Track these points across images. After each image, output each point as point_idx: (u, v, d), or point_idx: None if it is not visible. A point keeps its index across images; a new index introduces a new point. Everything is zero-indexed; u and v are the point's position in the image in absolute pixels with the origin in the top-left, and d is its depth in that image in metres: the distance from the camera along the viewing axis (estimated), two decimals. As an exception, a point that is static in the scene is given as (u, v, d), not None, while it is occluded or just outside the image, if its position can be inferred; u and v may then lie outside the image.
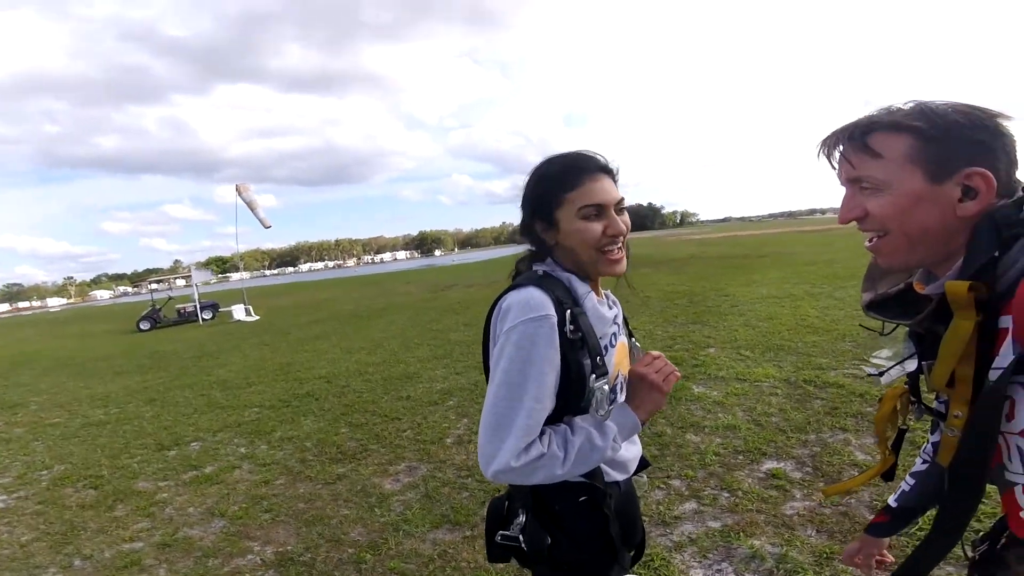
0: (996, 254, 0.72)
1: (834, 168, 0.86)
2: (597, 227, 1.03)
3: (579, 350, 1.00)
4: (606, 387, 1.02)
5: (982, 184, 0.74)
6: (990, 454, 0.75)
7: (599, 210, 1.03)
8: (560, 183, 1.05)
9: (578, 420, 1.03)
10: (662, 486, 3.01)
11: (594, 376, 1.01)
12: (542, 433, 1.00)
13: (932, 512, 0.96)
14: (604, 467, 1.12)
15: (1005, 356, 0.71)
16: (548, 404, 1.00)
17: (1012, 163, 0.76)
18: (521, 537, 1.09)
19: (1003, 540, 0.91)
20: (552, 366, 0.98)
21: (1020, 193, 0.76)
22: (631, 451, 1.22)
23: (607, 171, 1.07)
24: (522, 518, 1.10)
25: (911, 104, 0.78)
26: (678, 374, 1.10)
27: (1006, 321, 0.71)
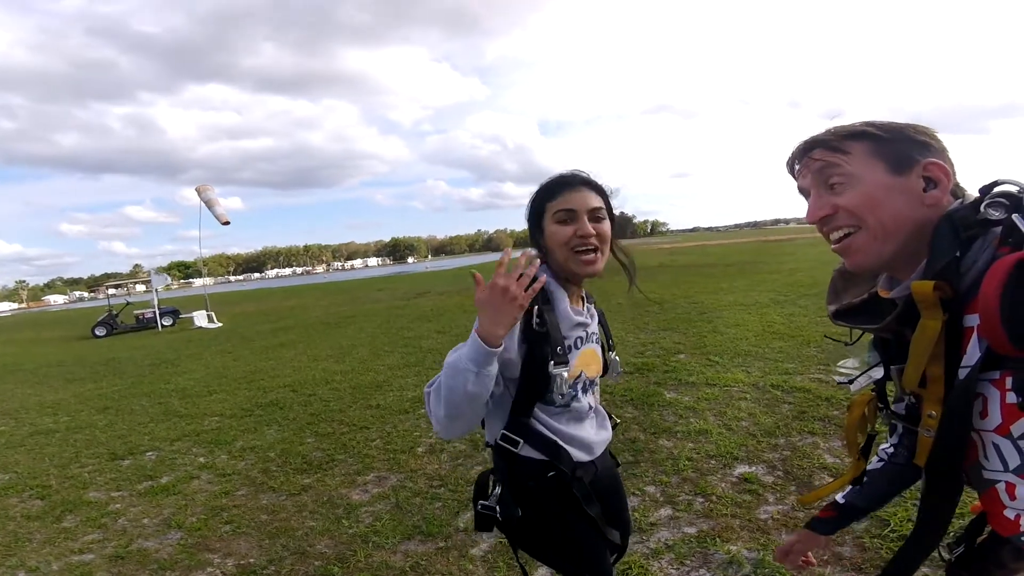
0: (957, 254, 0.74)
1: (799, 179, 0.88)
2: (568, 229, 1.18)
3: (544, 343, 1.14)
4: (565, 373, 1.15)
5: (941, 174, 0.78)
6: (963, 451, 0.75)
7: (570, 214, 1.18)
8: (545, 194, 1.23)
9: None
10: (637, 493, 2.98)
11: (552, 363, 1.14)
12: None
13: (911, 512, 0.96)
14: (569, 447, 1.21)
15: (972, 354, 0.73)
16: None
17: (952, 166, 0.80)
18: (497, 508, 1.20)
19: (981, 540, 0.91)
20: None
21: (974, 196, 0.78)
22: (600, 435, 1.32)
23: (589, 184, 1.22)
24: (498, 490, 1.22)
25: (858, 121, 0.84)
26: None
27: (971, 320, 0.73)
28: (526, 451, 1.19)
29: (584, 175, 1.23)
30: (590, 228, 1.17)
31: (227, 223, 18.80)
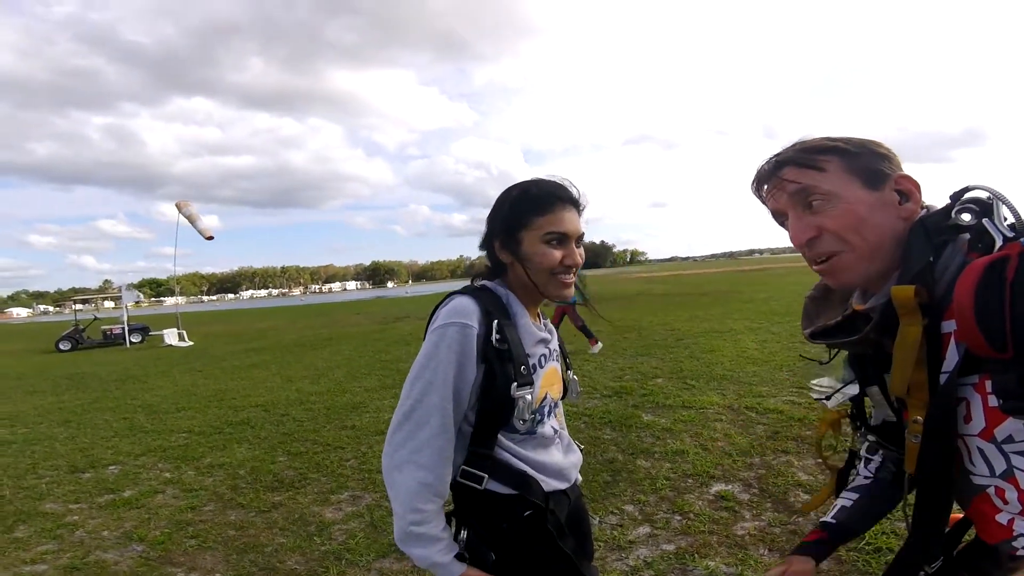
0: (931, 259, 0.74)
1: (766, 201, 0.86)
2: (557, 254, 1.08)
3: (506, 361, 1.03)
4: (528, 396, 1.05)
5: (912, 186, 0.79)
6: (953, 454, 0.75)
7: (562, 239, 1.08)
8: (534, 206, 1.09)
9: (448, 537, 1.04)
10: (615, 511, 2.97)
11: (516, 384, 1.03)
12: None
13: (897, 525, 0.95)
14: (540, 476, 1.11)
15: (951, 359, 0.73)
16: (448, 405, 1.01)
17: None
18: (466, 554, 1.07)
19: (958, 550, 0.89)
20: (459, 370, 1.02)
21: (947, 203, 0.79)
22: (570, 459, 1.20)
23: (577, 205, 1.13)
24: (464, 535, 1.08)
25: (819, 136, 0.83)
26: None
27: (948, 326, 0.73)
28: (492, 487, 1.07)
29: (575, 192, 1.13)
30: (579, 258, 1.10)
31: (211, 238, 18.53)
